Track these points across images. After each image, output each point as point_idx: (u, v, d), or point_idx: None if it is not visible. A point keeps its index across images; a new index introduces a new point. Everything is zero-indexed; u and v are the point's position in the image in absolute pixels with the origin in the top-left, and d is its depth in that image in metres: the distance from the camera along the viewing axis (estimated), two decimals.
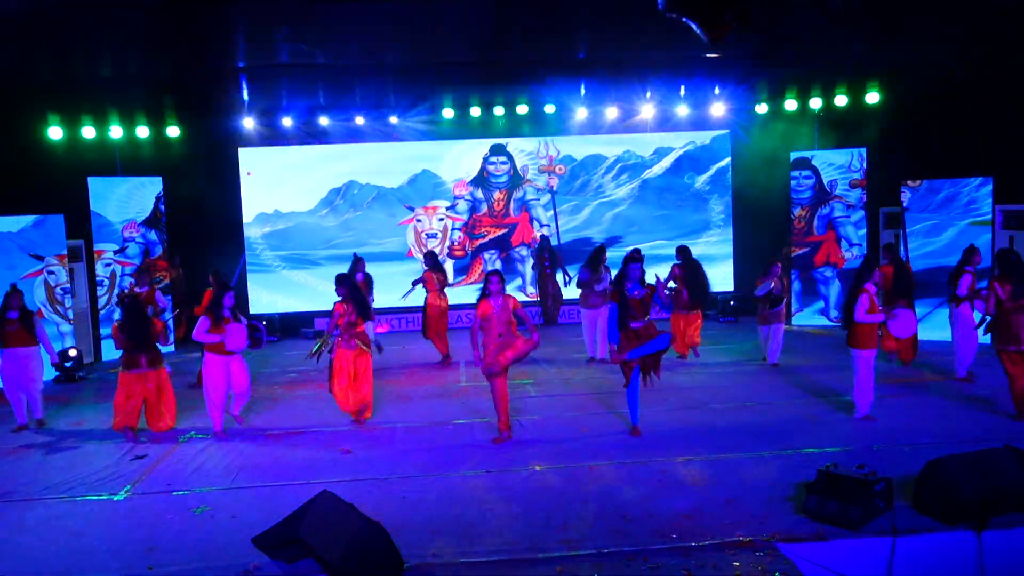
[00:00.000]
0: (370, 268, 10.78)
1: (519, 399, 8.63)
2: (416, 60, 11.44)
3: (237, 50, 10.53)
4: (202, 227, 13.57)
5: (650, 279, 7.46)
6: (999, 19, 9.39)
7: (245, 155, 13.97)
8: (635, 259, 7.32)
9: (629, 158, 14.61)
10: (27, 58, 9.98)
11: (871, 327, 7.42)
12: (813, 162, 13.16)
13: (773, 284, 9.99)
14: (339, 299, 8.05)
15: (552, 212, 14.55)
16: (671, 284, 10.36)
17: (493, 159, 14.48)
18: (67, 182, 12.10)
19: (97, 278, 12.18)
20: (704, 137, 14.61)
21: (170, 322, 10.36)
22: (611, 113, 13.91)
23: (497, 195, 14.55)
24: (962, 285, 8.85)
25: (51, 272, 11.26)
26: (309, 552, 4.49)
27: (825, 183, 13.09)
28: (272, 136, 13.71)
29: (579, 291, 10.89)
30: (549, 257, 12.62)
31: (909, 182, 11.67)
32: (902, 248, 11.43)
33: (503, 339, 7.08)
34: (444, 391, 9.55)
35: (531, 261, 13.82)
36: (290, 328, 14.01)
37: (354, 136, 13.83)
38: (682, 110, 13.88)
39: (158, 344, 7.87)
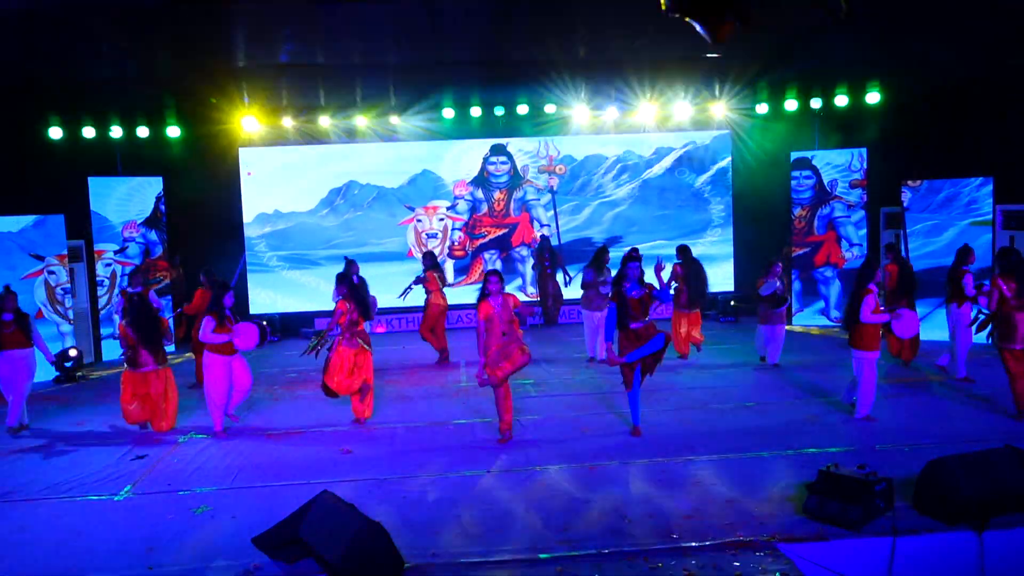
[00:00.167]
0: (370, 268, 10.80)
1: (520, 399, 8.62)
2: (416, 60, 11.43)
3: (237, 50, 10.54)
4: (202, 227, 13.57)
5: (652, 279, 7.44)
6: (999, 19, 9.38)
7: (245, 155, 13.97)
8: (633, 258, 7.29)
9: (629, 158, 14.61)
10: (27, 58, 9.98)
11: (875, 328, 7.41)
12: (813, 162, 13.15)
13: (778, 284, 9.98)
14: (341, 297, 8.06)
15: (552, 212, 14.55)
16: (673, 284, 10.38)
17: (493, 159, 14.48)
18: (67, 182, 12.11)
19: (97, 278, 12.18)
20: (704, 137, 14.61)
21: (171, 322, 10.36)
22: (611, 113, 13.90)
23: (497, 195, 14.55)
24: (967, 284, 8.85)
25: (51, 272, 11.26)
26: (309, 552, 4.49)
27: (825, 183, 13.09)
28: (272, 136, 13.71)
29: (580, 291, 10.88)
30: (549, 257, 12.61)
31: (909, 182, 11.67)
32: (902, 248, 11.43)
33: (506, 338, 7.07)
34: (444, 391, 9.55)
35: (531, 261, 13.82)
36: (290, 328, 14.01)
37: (354, 136, 13.83)
38: (682, 110, 13.88)
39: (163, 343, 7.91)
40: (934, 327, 10.53)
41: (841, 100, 13.14)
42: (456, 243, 14.53)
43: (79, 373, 11.06)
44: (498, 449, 7.13)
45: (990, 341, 7.80)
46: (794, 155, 13.27)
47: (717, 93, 13.50)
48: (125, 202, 12.53)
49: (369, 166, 14.28)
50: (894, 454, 6.56)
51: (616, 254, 10.80)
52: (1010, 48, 10.46)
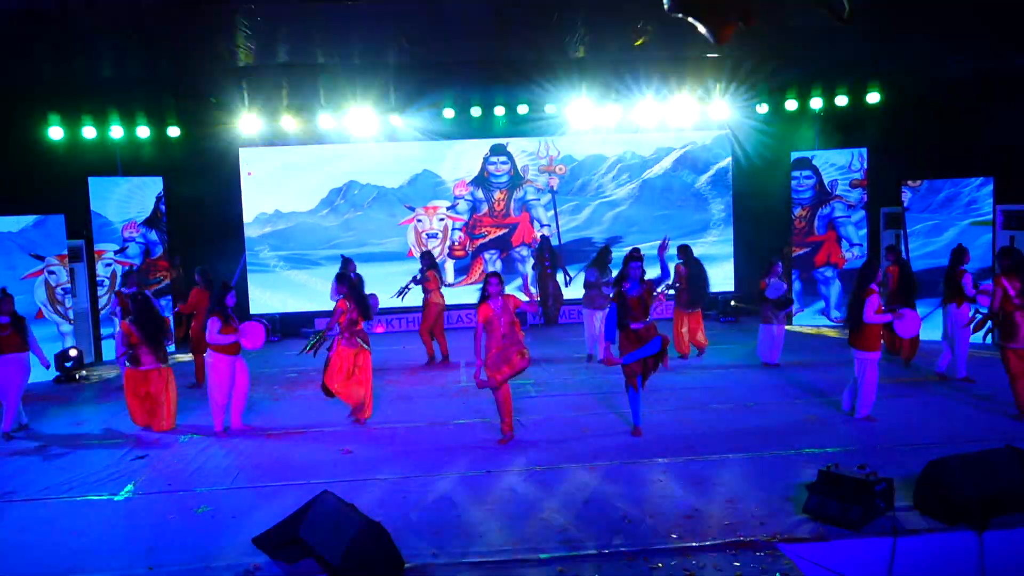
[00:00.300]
0: (371, 268, 10.80)
1: (520, 399, 8.61)
2: (416, 60, 11.42)
3: (237, 50, 10.52)
4: (203, 227, 13.57)
5: (653, 277, 7.43)
6: (999, 19, 9.38)
7: (245, 155, 13.97)
8: (635, 258, 7.29)
9: (629, 158, 14.61)
10: (27, 58, 9.98)
11: (877, 328, 7.40)
12: (814, 162, 13.15)
13: (785, 286, 9.97)
14: (340, 296, 8.05)
15: (553, 212, 14.55)
16: (675, 285, 10.42)
17: (493, 159, 14.48)
18: (68, 182, 12.10)
19: (98, 278, 12.18)
20: (705, 137, 14.61)
21: (171, 321, 10.37)
22: (611, 113, 13.90)
23: (498, 195, 14.55)
24: (967, 284, 8.84)
25: (52, 272, 11.26)
26: (310, 552, 4.49)
27: (826, 183, 13.09)
28: (272, 136, 13.71)
29: (581, 291, 10.89)
30: (549, 257, 12.61)
31: (910, 182, 11.67)
32: (903, 248, 11.43)
33: (506, 341, 7.06)
34: (444, 391, 9.55)
35: (531, 261, 13.82)
36: (290, 328, 14.01)
37: (354, 136, 13.82)
38: (682, 110, 13.86)
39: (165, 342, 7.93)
40: (934, 327, 10.51)
41: (841, 100, 13.13)
42: (456, 243, 14.53)
43: (79, 373, 11.06)
44: (498, 449, 7.13)
45: (988, 340, 7.79)
46: (794, 155, 13.27)
47: (717, 93, 13.50)
48: (125, 202, 12.53)
49: (369, 166, 14.28)
50: (894, 454, 6.56)
51: (617, 254, 10.83)
52: (1010, 47, 10.46)
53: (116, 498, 6.25)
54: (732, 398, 8.64)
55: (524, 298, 7.42)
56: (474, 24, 9.53)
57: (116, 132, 12.74)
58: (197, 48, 10.18)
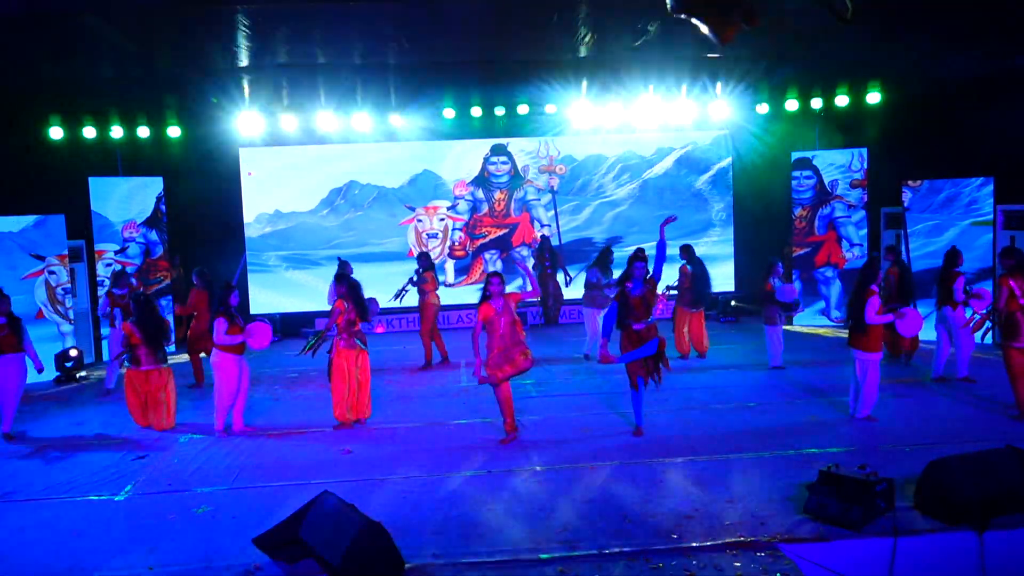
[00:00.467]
0: (371, 268, 10.80)
1: (521, 399, 8.60)
2: (417, 60, 11.42)
3: (237, 50, 10.51)
4: (203, 227, 13.58)
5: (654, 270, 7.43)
6: (999, 19, 9.37)
7: (245, 155, 13.97)
8: (639, 258, 7.29)
9: (630, 158, 14.62)
10: (27, 58, 9.97)
11: (878, 329, 7.39)
12: (814, 162, 13.15)
13: (796, 291, 9.98)
14: (339, 297, 8.04)
15: (553, 212, 14.55)
16: (680, 285, 10.46)
17: (494, 159, 14.48)
18: (68, 182, 12.11)
19: (98, 278, 12.18)
20: (705, 137, 14.61)
21: (171, 322, 10.36)
22: (612, 113, 13.89)
23: (498, 195, 14.55)
24: (957, 288, 8.83)
25: (52, 272, 11.26)
26: (310, 552, 4.49)
27: (826, 183, 13.09)
28: (272, 136, 13.71)
29: (581, 291, 10.88)
30: (550, 257, 12.62)
31: (910, 182, 11.67)
32: (903, 249, 11.42)
33: (508, 339, 7.07)
34: (444, 391, 9.55)
35: (531, 261, 13.82)
36: (290, 328, 14.01)
37: (354, 136, 13.83)
38: (683, 110, 13.84)
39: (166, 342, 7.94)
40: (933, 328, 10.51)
41: (842, 100, 13.13)
42: (456, 243, 14.53)
43: (79, 373, 11.06)
44: (499, 449, 7.13)
45: (986, 340, 7.78)
46: (795, 155, 13.27)
47: (717, 93, 13.49)
48: (125, 202, 12.54)
49: (369, 166, 14.29)
50: (895, 454, 6.56)
51: (618, 254, 10.85)
52: (1010, 48, 10.45)
53: (116, 498, 6.25)
54: (733, 398, 8.64)
55: (529, 287, 7.40)
56: (474, 24, 9.52)
57: (116, 132, 12.75)
58: (197, 48, 10.17)
